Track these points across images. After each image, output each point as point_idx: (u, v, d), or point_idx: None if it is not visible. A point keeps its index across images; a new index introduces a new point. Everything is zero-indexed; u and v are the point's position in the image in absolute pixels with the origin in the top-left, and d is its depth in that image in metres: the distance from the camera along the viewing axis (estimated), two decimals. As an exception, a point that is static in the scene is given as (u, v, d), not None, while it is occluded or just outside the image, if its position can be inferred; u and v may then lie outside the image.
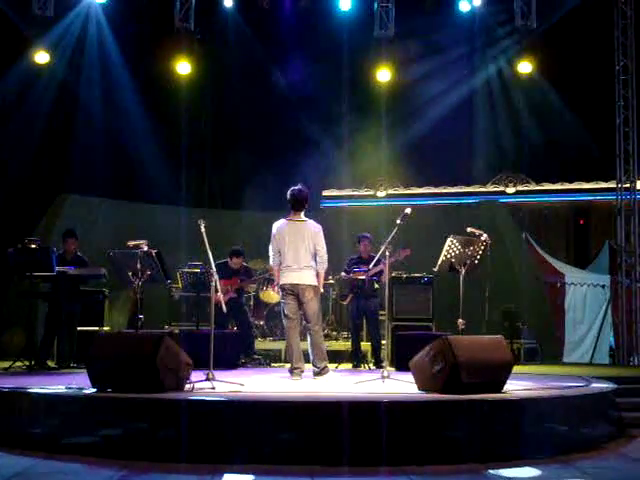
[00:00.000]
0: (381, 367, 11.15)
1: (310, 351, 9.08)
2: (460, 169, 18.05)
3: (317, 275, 9.01)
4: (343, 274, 11.89)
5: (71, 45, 15.30)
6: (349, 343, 12.21)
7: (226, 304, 11.44)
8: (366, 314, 11.71)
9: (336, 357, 11.88)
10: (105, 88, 15.86)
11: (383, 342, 11.40)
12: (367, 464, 5.98)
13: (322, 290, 9.19)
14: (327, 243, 9.09)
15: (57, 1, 14.60)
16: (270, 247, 9.07)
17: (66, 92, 15.63)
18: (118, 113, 15.78)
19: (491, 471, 5.89)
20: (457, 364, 6.83)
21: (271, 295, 13.34)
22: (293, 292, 8.93)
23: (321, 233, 8.97)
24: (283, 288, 9.00)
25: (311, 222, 9.02)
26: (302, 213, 9.01)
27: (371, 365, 11.61)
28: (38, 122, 15.38)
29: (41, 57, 14.87)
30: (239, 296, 12.18)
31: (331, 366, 9.35)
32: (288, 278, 8.93)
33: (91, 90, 15.75)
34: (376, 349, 11.69)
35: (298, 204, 8.98)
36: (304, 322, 9.21)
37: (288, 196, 9.01)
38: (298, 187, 9.03)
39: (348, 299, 11.75)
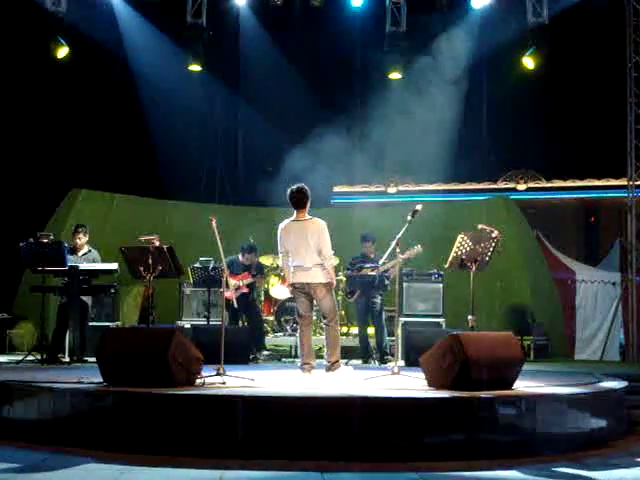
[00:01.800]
0: (384, 362, 11.23)
1: (325, 345, 9.11)
2: (471, 166, 18.07)
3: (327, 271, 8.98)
4: (348, 272, 11.94)
5: (87, 40, 15.31)
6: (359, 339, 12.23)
7: (237, 300, 11.52)
8: (372, 310, 11.73)
9: (346, 353, 11.89)
10: (117, 82, 15.93)
11: (392, 338, 11.41)
12: (377, 460, 5.99)
13: (335, 284, 9.12)
14: (337, 239, 9.07)
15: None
16: (279, 248, 9.07)
17: (80, 87, 15.69)
18: (131, 108, 15.84)
19: (501, 468, 5.90)
20: (467, 361, 6.84)
21: (282, 291, 13.39)
22: (304, 290, 8.93)
23: (324, 230, 8.80)
24: (294, 287, 9.01)
25: (315, 219, 8.90)
26: (305, 211, 8.96)
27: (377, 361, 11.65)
28: (51, 116, 15.45)
29: (57, 51, 14.88)
30: (250, 291, 12.22)
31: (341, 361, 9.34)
32: (298, 277, 8.91)
33: (103, 85, 15.81)
34: (380, 344, 11.72)
35: (298, 203, 8.89)
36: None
37: (288, 195, 8.96)
38: (297, 186, 8.95)
39: (355, 296, 11.79)
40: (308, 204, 8.92)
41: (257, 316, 12.42)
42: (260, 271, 12.48)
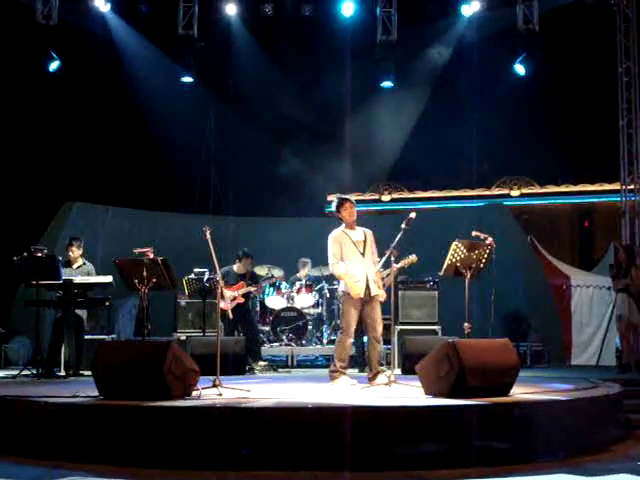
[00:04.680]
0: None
1: None
2: (465, 172, 18.09)
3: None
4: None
5: (79, 53, 15.28)
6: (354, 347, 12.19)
7: (233, 310, 11.50)
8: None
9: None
10: (109, 95, 15.94)
11: (388, 346, 11.38)
12: (373, 469, 5.98)
13: (353, 292, 8.79)
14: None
15: (61, 10, 14.58)
16: None
17: (73, 100, 15.68)
18: (124, 120, 15.82)
19: (498, 475, 5.88)
20: (463, 368, 6.83)
21: (277, 301, 13.36)
22: None
23: (329, 241, 8.87)
24: None
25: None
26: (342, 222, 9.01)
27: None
28: (44, 129, 15.43)
29: (49, 65, 14.86)
30: (246, 301, 12.18)
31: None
32: None
33: (96, 98, 15.80)
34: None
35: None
36: None
37: None
38: None
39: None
40: (341, 212, 8.95)
41: (253, 327, 12.38)
42: (255, 280, 12.46)
